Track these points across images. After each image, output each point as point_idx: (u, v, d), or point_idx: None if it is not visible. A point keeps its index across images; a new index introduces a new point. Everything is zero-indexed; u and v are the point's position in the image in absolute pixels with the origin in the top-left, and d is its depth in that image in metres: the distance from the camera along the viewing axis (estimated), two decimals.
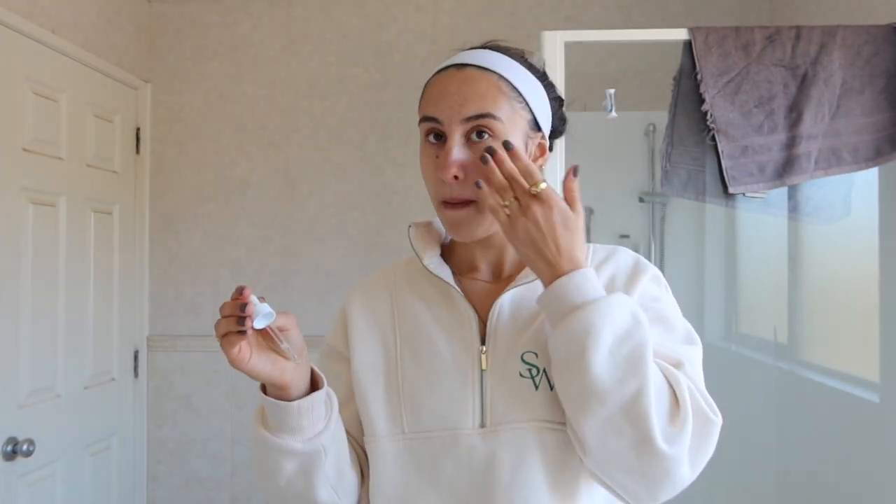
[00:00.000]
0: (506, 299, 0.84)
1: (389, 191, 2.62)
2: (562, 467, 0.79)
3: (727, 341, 2.40)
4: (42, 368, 2.02)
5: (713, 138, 1.63)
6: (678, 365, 0.76)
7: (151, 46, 2.68)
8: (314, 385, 0.81)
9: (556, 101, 0.91)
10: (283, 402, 0.78)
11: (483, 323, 0.84)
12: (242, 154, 2.65)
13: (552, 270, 0.75)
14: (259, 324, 0.72)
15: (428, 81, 0.86)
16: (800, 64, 1.62)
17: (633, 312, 0.73)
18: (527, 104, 0.83)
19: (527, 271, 0.84)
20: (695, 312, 2.36)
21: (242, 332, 0.71)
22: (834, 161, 1.65)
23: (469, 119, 0.80)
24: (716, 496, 2.11)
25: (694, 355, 0.80)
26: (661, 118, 1.74)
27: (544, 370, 0.80)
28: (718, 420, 0.74)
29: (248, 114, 2.66)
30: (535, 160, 0.87)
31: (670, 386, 0.73)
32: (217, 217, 2.66)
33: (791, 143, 1.62)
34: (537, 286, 0.80)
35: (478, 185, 0.77)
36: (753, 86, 1.63)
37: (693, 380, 0.75)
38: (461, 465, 0.80)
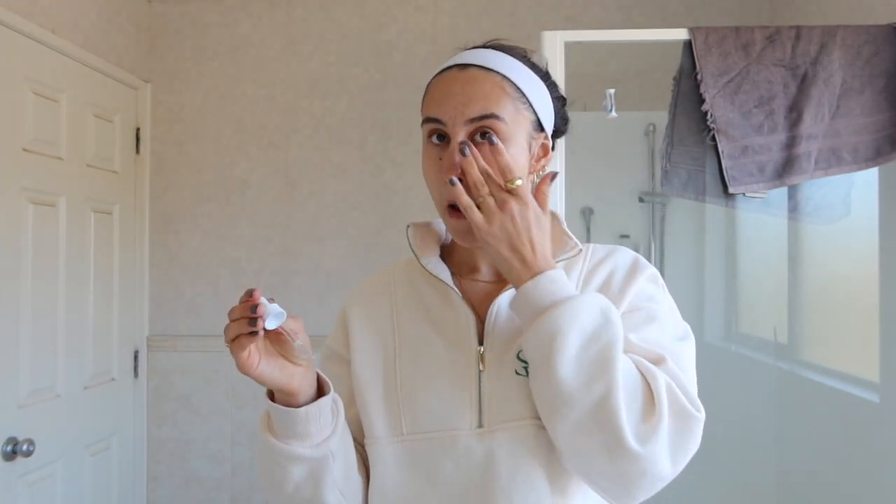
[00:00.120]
0: (504, 299, 0.84)
1: (389, 191, 2.62)
2: (559, 465, 0.78)
3: (727, 341, 2.40)
4: (42, 368, 2.02)
5: (713, 138, 1.63)
6: (659, 361, 0.75)
7: (151, 46, 2.68)
8: (320, 390, 0.81)
9: (559, 101, 0.90)
10: (290, 409, 0.77)
11: (482, 323, 0.84)
12: (242, 154, 2.66)
13: (526, 268, 0.74)
14: (271, 324, 0.71)
15: (430, 82, 0.86)
16: (800, 64, 1.62)
17: (604, 310, 0.72)
18: (530, 104, 0.83)
19: None
20: (695, 312, 2.36)
21: (254, 334, 0.71)
22: (834, 161, 1.65)
23: (473, 120, 0.79)
24: (716, 496, 2.11)
25: (682, 351, 0.80)
26: (661, 118, 1.74)
27: None
28: (700, 415, 0.73)
29: (248, 114, 2.66)
30: (538, 160, 0.86)
31: (645, 382, 0.72)
32: (217, 217, 2.66)
33: (791, 143, 1.62)
34: None
35: (451, 182, 0.76)
36: (753, 86, 1.63)
37: (674, 375, 0.74)
38: (459, 465, 0.80)
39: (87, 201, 2.26)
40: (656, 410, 0.70)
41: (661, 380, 0.72)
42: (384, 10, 2.64)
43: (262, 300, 0.71)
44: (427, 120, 0.83)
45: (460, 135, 0.80)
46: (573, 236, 0.87)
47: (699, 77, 1.63)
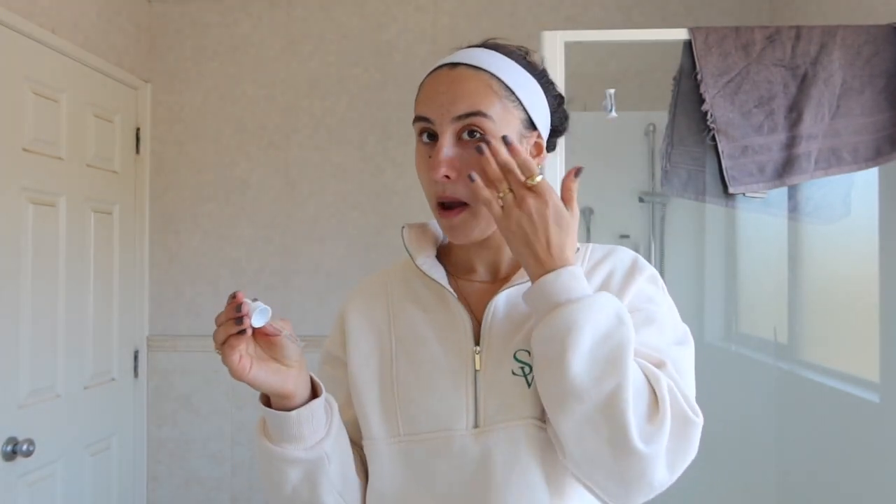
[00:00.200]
0: (500, 299, 0.84)
1: (389, 191, 2.62)
2: (555, 465, 0.78)
3: (727, 341, 2.40)
4: (42, 368, 2.02)
5: (713, 138, 1.63)
6: (660, 365, 0.75)
7: (151, 46, 2.68)
8: (314, 393, 0.82)
9: (556, 100, 0.90)
10: (282, 412, 0.78)
11: (478, 323, 0.84)
12: (242, 154, 2.66)
13: (540, 265, 0.74)
14: (257, 321, 0.72)
15: (422, 81, 0.86)
16: (800, 64, 1.62)
17: (618, 312, 0.73)
18: (520, 103, 0.83)
19: (523, 271, 0.84)
20: (695, 312, 2.36)
21: (242, 333, 0.71)
22: (834, 161, 1.65)
23: (459, 118, 0.80)
24: (716, 496, 2.11)
25: (681, 356, 0.79)
26: (661, 118, 1.74)
27: None
28: (699, 421, 0.73)
29: (248, 114, 2.66)
30: (531, 159, 0.86)
31: (650, 385, 0.72)
32: (217, 217, 2.66)
33: (791, 143, 1.62)
34: None
35: (471, 178, 0.76)
36: (753, 86, 1.63)
37: (675, 380, 0.74)
38: (455, 466, 0.80)
39: (87, 201, 2.26)
40: (660, 412, 0.70)
41: (664, 383, 0.72)
42: (384, 10, 2.64)
43: (246, 300, 0.71)
44: (416, 119, 0.84)
45: (448, 132, 0.80)
46: None
47: (699, 77, 1.63)
